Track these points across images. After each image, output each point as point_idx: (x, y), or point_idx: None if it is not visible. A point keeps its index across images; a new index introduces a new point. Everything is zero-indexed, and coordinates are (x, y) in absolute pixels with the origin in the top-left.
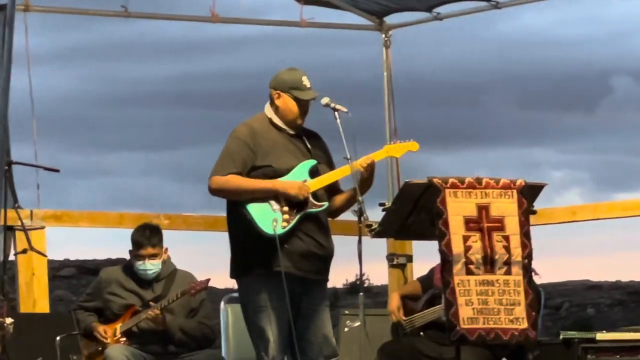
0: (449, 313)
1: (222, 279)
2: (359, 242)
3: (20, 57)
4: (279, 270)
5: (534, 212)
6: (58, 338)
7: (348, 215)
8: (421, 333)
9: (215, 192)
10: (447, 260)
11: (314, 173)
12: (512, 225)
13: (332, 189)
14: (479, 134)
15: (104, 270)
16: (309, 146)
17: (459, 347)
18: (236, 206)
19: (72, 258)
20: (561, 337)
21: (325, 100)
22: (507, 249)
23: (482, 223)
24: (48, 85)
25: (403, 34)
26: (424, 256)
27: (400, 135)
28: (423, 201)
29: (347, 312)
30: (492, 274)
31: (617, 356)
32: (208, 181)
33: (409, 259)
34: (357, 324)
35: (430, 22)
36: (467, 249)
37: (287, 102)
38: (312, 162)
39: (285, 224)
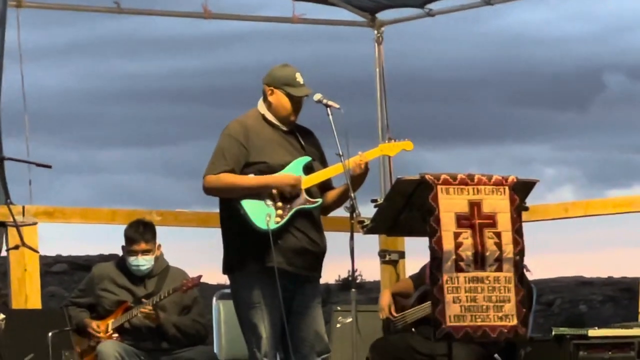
0: (435, 310)
1: (214, 275)
2: (351, 238)
3: (13, 53)
4: (272, 267)
5: (526, 209)
6: (50, 334)
7: (340, 212)
8: (413, 329)
9: (209, 191)
10: (436, 257)
11: (308, 169)
12: (504, 222)
13: (325, 186)
14: (471, 130)
15: (96, 267)
16: (302, 143)
17: (451, 344)
18: (230, 202)
19: (64, 254)
20: (553, 333)
21: (317, 96)
22: (499, 245)
23: (473, 219)
24: (40, 81)
25: (395, 31)
26: (416, 252)
27: (392, 131)
28: (415, 197)
29: (339, 308)
30: (482, 271)
31: (609, 352)
32: (202, 181)
33: (401, 255)
34: (349, 320)
35: (423, 18)
36: (458, 245)
37: (280, 99)
38: (307, 158)
39: (278, 219)
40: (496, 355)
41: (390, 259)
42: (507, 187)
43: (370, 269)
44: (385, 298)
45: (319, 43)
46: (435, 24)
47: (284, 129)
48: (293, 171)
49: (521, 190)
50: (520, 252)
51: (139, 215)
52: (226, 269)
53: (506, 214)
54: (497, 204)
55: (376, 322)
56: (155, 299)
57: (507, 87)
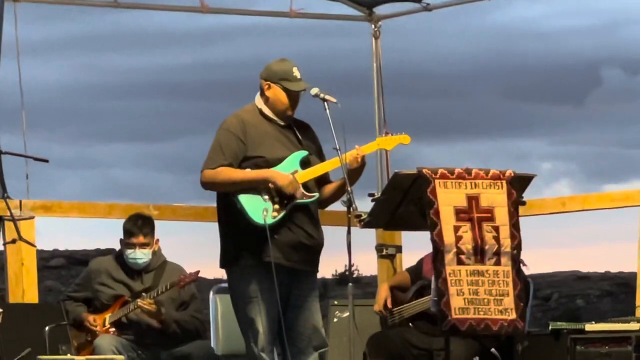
0: (440, 303)
1: (211, 269)
2: (348, 232)
3: (10, 47)
4: (269, 261)
5: (523, 203)
6: (47, 328)
7: (337, 206)
8: (410, 324)
9: (207, 186)
10: (439, 250)
11: (305, 164)
12: (502, 216)
13: (322, 180)
14: (467, 125)
15: (94, 261)
16: (299, 137)
17: (448, 339)
18: (227, 196)
19: (61, 248)
20: (550, 328)
21: (314, 90)
22: (497, 239)
23: (472, 213)
24: (38, 76)
25: (393, 25)
26: (413, 247)
27: (389, 126)
28: (413, 192)
29: (336, 302)
30: (482, 264)
31: (606, 347)
32: (200, 175)
33: (398, 249)
34: (347, 314)
35: (420, 13)
36: (458, 239)
37: (277, 93)
38: (304, 152)
39: (275, 214)
40: (493, 350)
41: (388, 253)
42: (504, 182)
43: (367, 264)
44: (382, 292)
45: (316, 37)
46: (433, 18)
47: (281, 123)
48: (290, 165)
49: (518, 184)
50: (517, 246)
51: (136, 210)
52: (223, 264)
53: (504, 208)
54: (495, 198)
55: (373, 317)
56: (153, 294)
57: (504, 82)
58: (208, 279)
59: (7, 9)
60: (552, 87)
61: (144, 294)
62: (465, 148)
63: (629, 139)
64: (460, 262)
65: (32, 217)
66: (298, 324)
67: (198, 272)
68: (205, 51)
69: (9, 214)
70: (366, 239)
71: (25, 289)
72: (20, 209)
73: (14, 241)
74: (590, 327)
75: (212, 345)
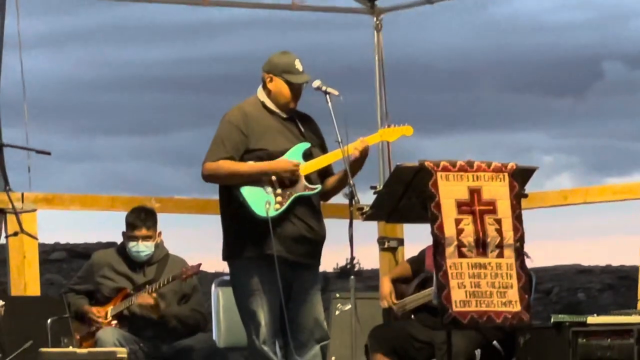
0: (441, 296)
1: (213, 262)
2: (350, 225)
3: (12, 41)
4: (271, 254)
5: (525, 196)
6: (49, 321)
7: (339, 199)
8: (412, 317)
9: (208, 178)
10: (439, 242)
11: (307, 156)
12: (504, 209)
13: (324, 172)
14: (469, 118)
15: (96, 253)
16: (302, 129)
17: (450, 331)
18: (229, 189)
19: (62, 241)
20: (552, 320)
21: (316, 83)
22: (499, 232)
23: (474, 206)
24: (39, 69)
25: (395, 18)
26: (415, 240)
27: (391, 118)
28: (414, 184)
29: (338, 295)
30: (484, 257)
31: (608, 340)
32: (201, 168)
33: (400, 242)
34: (348, 307)
35: (422, 5)
36: (459, 232)
37: (279, 86)
38: (306, 144)
39: (278, 206)
40: (495, 343)
41: (389, 246)
42: (506, 174)
43: (368, 256)
44: (386, 286)
45: (318, 30)
46: (435, 11)
47: (284, 116)
48: (293, 157)
49: (520, 177)
50: (520, 238)
51: (138, 202)
52: (225, 256)
53: (506, 200)
54: (497, 190)
55: (375, 310)
56: (155, 287)
57: (505, 75)
58: (210, 272)
59: (9, 1)
60: (553, 80)
61: (147, 286)
62: (466, 141)
63: (630, 132)
64: (461, 255)
65: (34, 210)
66: (300, 316)
67: (200, 264)
68: (207, 44)
69: (11, 206)
70: (368, 231)
71: (27, 281)
72: (22, 202)
73: (15, 234)
74: (592, 319)
75: (214, 338)
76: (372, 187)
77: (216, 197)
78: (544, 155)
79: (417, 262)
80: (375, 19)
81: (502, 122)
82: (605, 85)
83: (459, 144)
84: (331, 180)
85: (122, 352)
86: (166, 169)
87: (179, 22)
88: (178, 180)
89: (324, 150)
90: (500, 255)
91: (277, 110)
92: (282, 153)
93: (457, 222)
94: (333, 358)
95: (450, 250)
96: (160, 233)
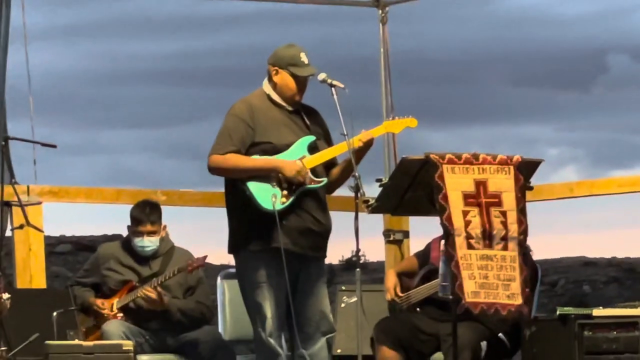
0: (454, 286)
1: (219, 254)
2: (356, 218)
3: (18, 34)
4: (277, 247)
5: (531, 188)
6: (55, 314)
7: (345, 191)
8: (418, 309)
9: (214, 171)
10: (449, 234)
11: (312, 149)
12: (509, 201)
13: (329, 164)
14: (474, 111)
15: (102, 246)
16: (307, 122)
17: (456, 324)
18: (235, 182)
19: (68, 234)
20: (558, 313)
21: (322, 76)
22: (505, 224)
23: (480, 198)
24: (45, 62)
25: (400, 11)
26: (421, 232)
27: (396, 111)
28: (420, 177)
29: (344, 288)
30: (490, 249)
31: (614, 332)
32: (207, 161)
33: (406, 234)
34: (354, 300)
35: None
36: (467, 223)
37: (285, 79)
38: (311, 137)
39: (284, 199)
40: (501, 335)
41: (395, 238)
42: (512, 167)
43: (374, 249)
44: (391, 279)
45: (324, 23)
46: (440, 4)
47: (289, 108)
48: (298, 150)
49: (526, 169)
50: (523, 231)
51: (144, 195)
52: (231, 249)
53: (511, 193)
54: (503, 183)
55: (381, 302)
56: (161, 279)
57: (510, 68)
58: (216, 265)
59: None
60: (558, 74)
61: (154, 278)
62: (472, 134)
63: (635, 125)
64: (470, 247)
65: (40, 203)
66: (306, 309)
67: (206, 257)
68: (212, 37)
69: (16, 199)
70: (373, 224)
71: (33, 274)
72: (28, 195)
73: (21, 226)
74: (597, 312)
75: (220, 330)
76: (378, 180)
77: (222, 190)
78: (549, 148)
79: (423, 255)
80: (380, 11)
81: (507, 115)
82: (611, 78)
83: (463, 137)
84: (335, 171)
85: (128, 344)
86: (172, 161)
87: (185, 15)
88: (184, 173)
89: (329, 142)
90: (505, 247)
91: (283, 103)
92: (288, 146)
93: (465, 213)
94: (339, 350)
95: (459, 241)
96: (165, 226)
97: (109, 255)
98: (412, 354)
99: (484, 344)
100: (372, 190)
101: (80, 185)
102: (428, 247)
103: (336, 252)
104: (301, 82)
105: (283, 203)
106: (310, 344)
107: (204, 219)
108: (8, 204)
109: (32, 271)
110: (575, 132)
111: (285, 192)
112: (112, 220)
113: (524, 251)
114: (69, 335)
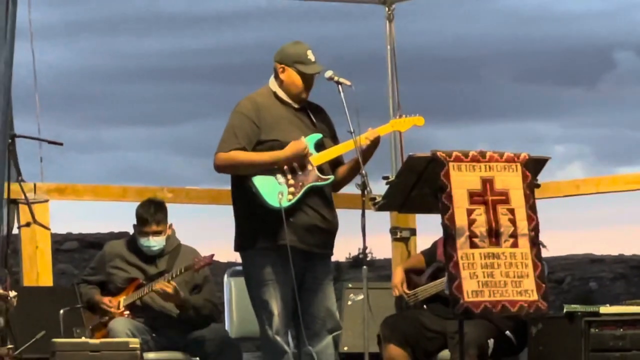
0: (452, 286)
1: (226, 252)
2: (363, 215)
3: (24, 31)
4: (284, 244)
5: (538, 186)
6: (61, 311)
7: (352, 189)
8: (424, 307)
9: (221, 169)
10: (449, 234)
11: (319, 147)
12: (517, 198)
13: (336, 162)
14: (481, 108)
15: (108, 244)
16: (313, 120)
17: (462, 321)
18: (241, 179)
19: (74, 232)
20: (565, 310)
21: (328, 73)
22: (513, 221)
23: (486, 196)
24: (51, 60)
25: (407, 8)
26: (428, 229)
27: (403, 109)
28: (427, 174)
29: (350, 285)
30: (497, 247)
31: (621, 329)
32: (213, 159)
33: (413, 232)
34: (361, 297)
35: None
36: (471, 222)
37: (291, 76)
38: (318, 135)
39: (291, 197)
40: (508, 332)
41: (402, 236)
42: (519, 164)
43: (380, 247)
44: (398, 276)
45: (330, 20)
46: (446, 1)
47: (296, 106)
48: None
49: (533, 167)
50: (534, 228)
51: (150, 193)
52: (238, 247)
53: (519, 190)
54: (510, 180)
55: (387, 300)
56: (167, 277)
57: (517, 65)
58: (222, 262)
59: None
60: (564, 70)
61: (163, 276)
62: (478, 131)
63: None
64: (473, 246)
65: (46, 201)
66: (312, 307)
67: (212, 255)
68: (218, 34)
69: (23, 197)
70: (380, 221)
71: (40, 272)
72: (35, 192)
73: (28, 224)
74: (604, 309)
75: (227, 328)
76: (385, 178)
77: (228, 187)
78: (556, 144)
79: (429, 253)
80: (387, 9)
81: (513, 112)
82: (617, 75)
83: (470, 134)
84: (342, 170)
85: (135, 342)
86: (178, 159)
87: (190, 13)
88: (190, 171)
89: (335, 140)
90: (515, 245)
91: (289, 101)
92: None
93: (469, 212)
94: (345, 348)
95: (461, 240)
96: (171, 225)
97: (115, 253)
98: (419, 352)
99: (491, 341)
100: (378, 188)
101: (87, 182)
102: (434, 245)
103: (343, 249)
104: (308, 80)
105: (290, 200)
106: (317, 341)
107: (210, 217)
108: (15, 202)
109: (38, 269)
110: (581, 129)
111: (291, 189)
112: (119, 217)
113: (537, 247)
114: (75, 332)
